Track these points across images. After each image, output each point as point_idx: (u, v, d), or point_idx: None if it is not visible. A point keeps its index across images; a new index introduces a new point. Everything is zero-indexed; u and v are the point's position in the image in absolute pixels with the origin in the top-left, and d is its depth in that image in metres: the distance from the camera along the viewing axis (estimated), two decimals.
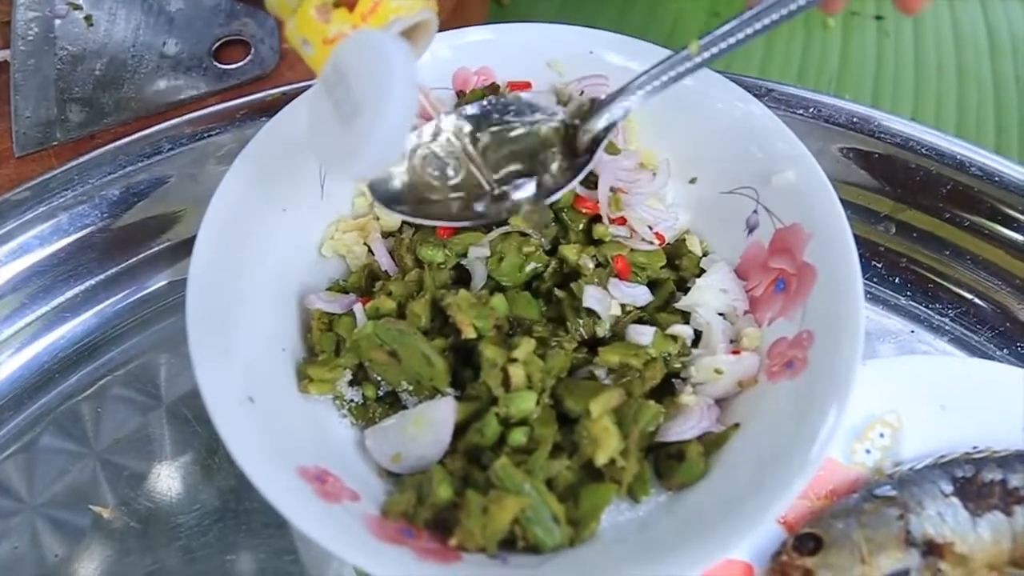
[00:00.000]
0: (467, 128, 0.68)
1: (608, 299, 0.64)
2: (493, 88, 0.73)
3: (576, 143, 0.67)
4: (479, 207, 0.66)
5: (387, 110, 0.50)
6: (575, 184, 0.66)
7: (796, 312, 0.61)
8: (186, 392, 0.72)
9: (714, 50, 0.61)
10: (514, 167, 0.67)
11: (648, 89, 0.64)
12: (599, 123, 0.66)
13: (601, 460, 0.56)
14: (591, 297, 0.63)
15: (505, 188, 0.66)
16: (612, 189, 0.67)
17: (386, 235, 0.70)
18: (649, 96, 0.64)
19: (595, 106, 0.66)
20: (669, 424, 0.60)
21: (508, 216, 0.65)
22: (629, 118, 0.71)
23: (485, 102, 0.69)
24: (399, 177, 0.66)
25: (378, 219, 0.70)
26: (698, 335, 0.65)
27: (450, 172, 0.66)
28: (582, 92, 0.72)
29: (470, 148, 0.67)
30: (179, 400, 0.72)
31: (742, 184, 0.68)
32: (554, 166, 0.66)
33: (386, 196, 0.66)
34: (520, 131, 0.68)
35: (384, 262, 0.68)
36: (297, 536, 0.66)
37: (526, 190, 0.66)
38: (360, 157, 0.51)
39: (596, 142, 0.66)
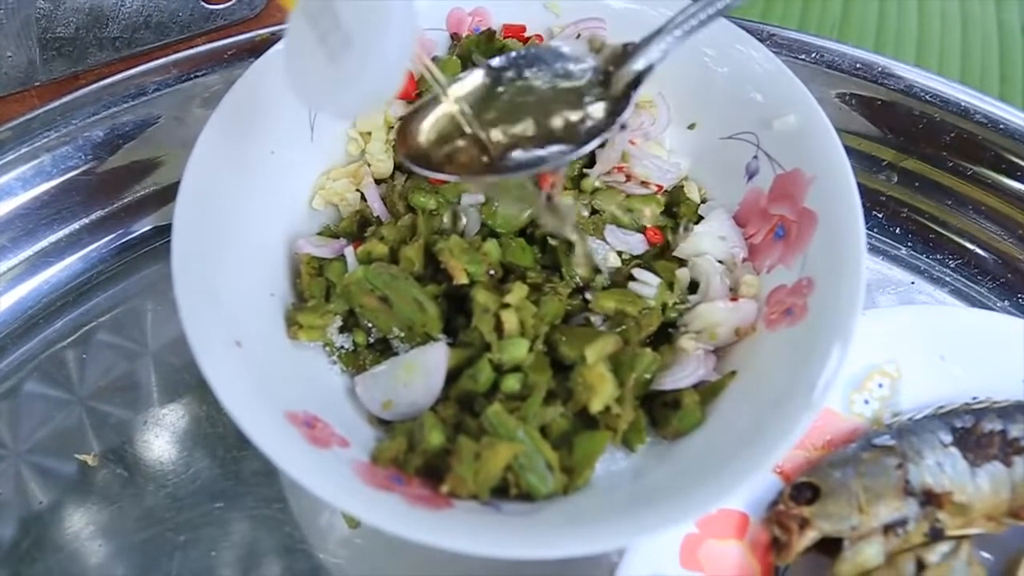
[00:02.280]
0: (483, 84, 0.61)
1: (603, 247, 0.63)
2: (489, 35, 0.70)
3: (610, 90, 0.60)
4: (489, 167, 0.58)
5: (383, 44, 0.47)
6: (614, 132, 0.60)
7: (796, 259, 0.60)
8: (173, 338, 0.71)
9: None
10: (531, 126, 0.59)
11: (687, 28, 0.58)
12: (636, 65, 0.59)
13: (596, 407, 0.55)
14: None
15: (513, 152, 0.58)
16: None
17: (378, 181, 0.69)
18: (688, 36, 0.58)
19: (630, 49, 0.60)
20: (665, 372, 0.59)
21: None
22: None
23: (515, 54, 0.62)
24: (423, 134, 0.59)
25: (370, 165, 0.68)
26: (694, 283, 0.64)
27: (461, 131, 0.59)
28: (578, 35, 0.71)
29: (469, 108, 0.59)
30: (165, 347, 0.71)
31: (742, 129, 0.66)
32: (589, 113, 0.59)
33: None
34: (548, 84, 0.61)
35: (376, 207, 0.66)
36: (286, 485, 0.65)
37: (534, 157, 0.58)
38: (349, 94, 0.49)
39: (631, 87, 0.59)
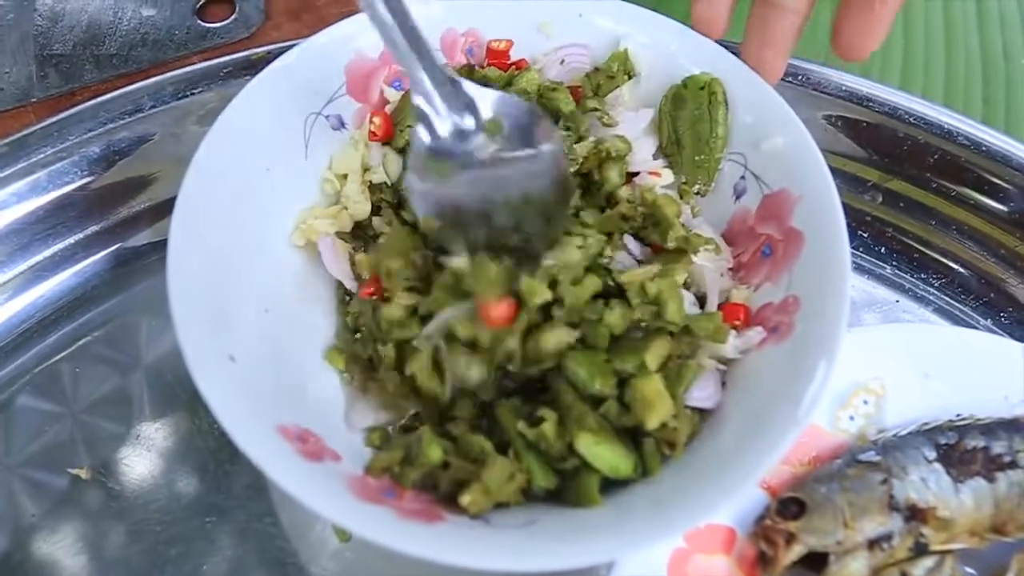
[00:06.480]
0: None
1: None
2: (469, 69, 0.71)
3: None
4: None
5: None
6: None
7: (782, 277, 0.60)
8: (166, 353, 0.71)
9: None
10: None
11: None
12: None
13: (652, 424, 0.54)
14: None
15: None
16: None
17: (356, 225, 0.67)
18: None
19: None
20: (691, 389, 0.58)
21: None
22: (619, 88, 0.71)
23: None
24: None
25: (347, 208, 0.67)
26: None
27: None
28: (562, 61, 0.71)
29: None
30: (159, 361, 0.71)
31: (730, 150, 0.67)
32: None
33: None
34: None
35: (343, 278, 0.65)
36: (277, 499, 0.65)
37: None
38: None
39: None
